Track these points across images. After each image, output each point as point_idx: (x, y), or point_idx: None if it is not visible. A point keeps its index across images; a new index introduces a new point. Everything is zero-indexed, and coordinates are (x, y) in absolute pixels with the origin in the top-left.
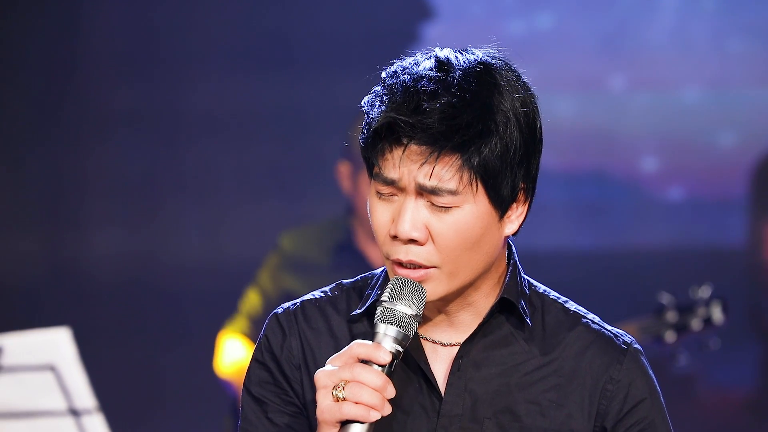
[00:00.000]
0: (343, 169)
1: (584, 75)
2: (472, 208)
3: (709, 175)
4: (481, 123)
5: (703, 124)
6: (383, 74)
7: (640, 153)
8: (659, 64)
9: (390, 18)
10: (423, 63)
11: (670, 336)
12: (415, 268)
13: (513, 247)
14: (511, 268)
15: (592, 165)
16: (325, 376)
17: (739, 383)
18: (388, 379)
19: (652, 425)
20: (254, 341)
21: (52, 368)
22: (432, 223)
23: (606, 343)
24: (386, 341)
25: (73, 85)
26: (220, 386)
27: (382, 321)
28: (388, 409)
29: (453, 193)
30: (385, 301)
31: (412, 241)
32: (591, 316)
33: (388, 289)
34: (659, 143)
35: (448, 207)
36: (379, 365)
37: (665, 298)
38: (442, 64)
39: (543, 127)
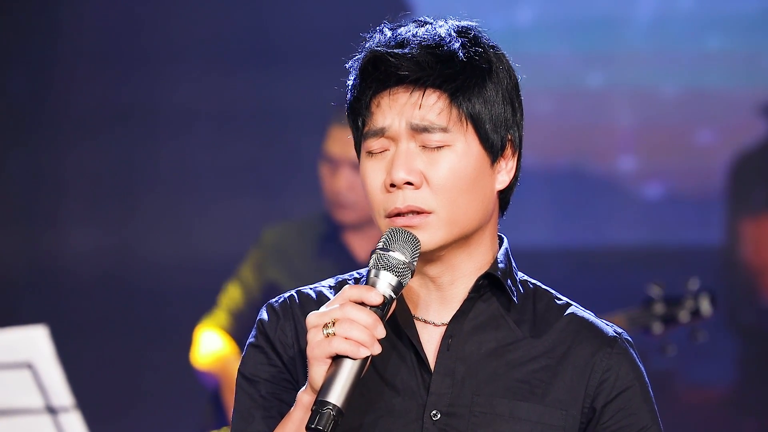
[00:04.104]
0: (325, 170)
1: (562, 72)
2: (464, 147)
3: (686, 173)
4: (463, 59)
5: (681, 122)
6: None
7: (618, 150)
8: (637, 61)
9: (369, 14)
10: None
11: (657, 327)
12: (413, 215)
13: (505, 240)
14: (502, 251)
15: (569, 162)
16: (316, 316)
17: (716, 380)
18: (378, 318)
19: (640, 411)
20: (234, 335)
21: (29, 366)
22: (426, 166)
23: (597, 330)
24: (378, 284)
25: (50, 83)
26: (198, 380)
27: (375, 267)
28: (377, 348)
29: (444, 129)
30: (379, 249)
31: (408, 185)
32: (582, 308)
33: (383, 239)
34: (637, 140)
35: (440, 146)
36: (371, 307)
37: (653, 290)
38: (419, 22)
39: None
